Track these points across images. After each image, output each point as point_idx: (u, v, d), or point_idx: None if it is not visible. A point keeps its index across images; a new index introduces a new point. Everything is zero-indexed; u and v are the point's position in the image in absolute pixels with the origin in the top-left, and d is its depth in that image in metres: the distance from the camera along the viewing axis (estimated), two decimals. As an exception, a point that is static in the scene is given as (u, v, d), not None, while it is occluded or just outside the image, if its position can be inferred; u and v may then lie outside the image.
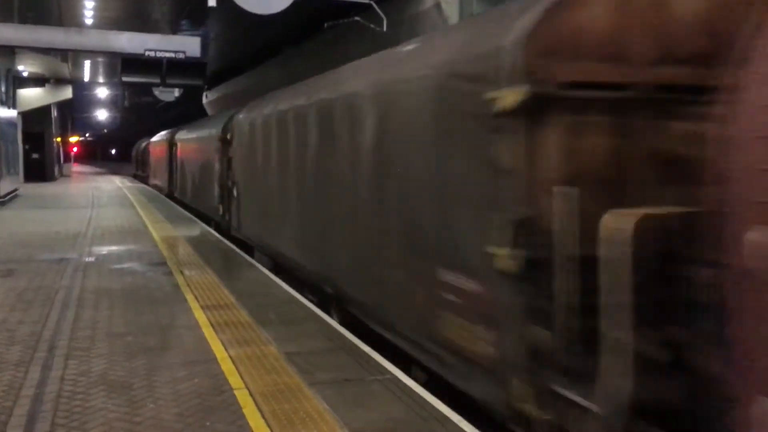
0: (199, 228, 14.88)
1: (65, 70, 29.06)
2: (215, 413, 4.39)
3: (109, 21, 21.61)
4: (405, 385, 4.93)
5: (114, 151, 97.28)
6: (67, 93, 33.22)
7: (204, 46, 19.97)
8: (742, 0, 3.11)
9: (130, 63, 18.65)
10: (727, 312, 2.62)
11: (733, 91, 2.57)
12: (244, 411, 4.43)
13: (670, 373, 3.06)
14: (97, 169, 65.09)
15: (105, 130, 78.81)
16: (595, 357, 3.25)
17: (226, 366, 5.34)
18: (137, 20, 21.55)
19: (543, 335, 3.62)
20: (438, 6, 14.48)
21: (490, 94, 3.89)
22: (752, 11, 2.58)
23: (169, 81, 19.19)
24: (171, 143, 22.91)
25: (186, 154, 19.79)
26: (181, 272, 9.33)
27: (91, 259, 10.47)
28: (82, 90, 39.27)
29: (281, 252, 9.33)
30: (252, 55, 28.08)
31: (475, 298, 4.20)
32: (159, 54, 17.98)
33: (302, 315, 7.03)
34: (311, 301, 7.73)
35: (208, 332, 6.30)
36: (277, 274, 9.32)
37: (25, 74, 29.71)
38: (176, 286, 8.38)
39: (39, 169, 34.87)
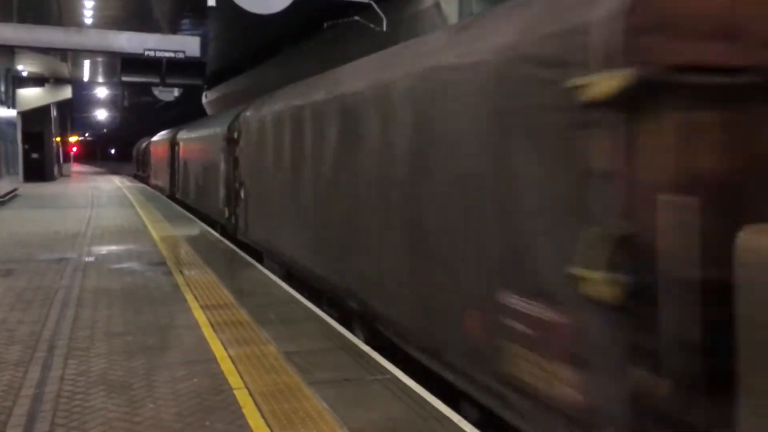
0: (198, 228, 14.87)
1: (65, 69, 29.06)
2: (215, 413, 4.39)
3: (108, 21, 21.61)
4: (405, 384, 4.93)
5: (113, 150, 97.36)
6: (67, 93, 33.23)
7: (203, 46, 19.98)
8: None
9: (129, 63, 18.65)
10: None
11: None
12: (244, 411, 4.43)
13: None
14: (97, 169, 65.12)
15: (104, 130, 78.85)
16: (721, 407, 2.67)
17: (226, 366, 5.34)
18: (137, 20, 21.55)
19: (648, 379, 2.93)
20: (437, 5, 14.49)
21: (575, 81, 3.24)
22: None
23: (169, 81, 19.20)
24: (173, 143, 22.52)
25: (189, 153, 19.26)
26: (181, 272, 9.32)
27: (91, 258, 10.47)
28: (81, 90, 39.29)
29: (295, 260, 8.57)
30: (251, 54, 28.10)
31: (553, 330, 3.46)
32: (158, 54, 17.98)
33: (302, 315, 7.03)
34: (330, 315, 7.09)
35: (208, 332, 6.30)
36: (291, 284, 8.67)
37: (24, 74, 29.73)
38: (176, 286, 8.38)
39: (38, 169, 34.89)
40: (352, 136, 6.46)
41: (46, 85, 31.87)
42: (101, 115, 58.45)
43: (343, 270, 6.71)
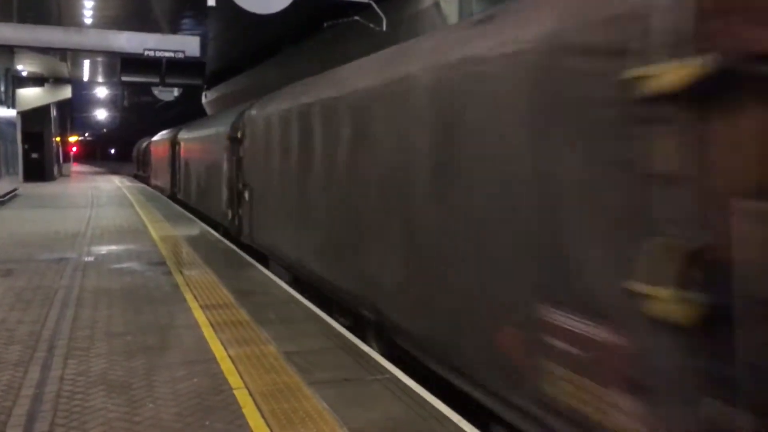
0: (198, 227, 14.86)
1: (64, 69, 29.05)
2: (214, 413, 4.39)
3: (108, 20, 21.60)
4: (404, 384, 4.92)
5: (113, 150, 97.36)
6: (67, 92, 33.23)
7: (203, 46, 19.95)
8: None
9: (129, 62, 18.64)
10: None
11: None
12: (244, 410, 4.43)
13: None
14: (97, 169, 65.10)
15: (104, 130, 78.81)
16: None
17: (226, 365, 5.33)
18: (136, 20, 21.54)
19: (724, 411, 2.59)
20: (437, 5, 14.49)
21: (633, 72, 2.90)
22: None
23: (169, 80, 19.17)
24: (174, 142, 22.29)
25: (190, 153, 19.02)
26: (181, 272, 9.32)
27: (90, 258, 10.46)
28: (81, 89, 39.25)
29: (303, 265, 8.18)
30: (251, 54, 28.09)
31: (606, 351, 3.11)
32: (158, 53, 17.96)
33: (301, 314, 7.02)
34: (342, 324, 6.72)
35: (208, 332, 6.29)
36: (299, 290, 8.25)
37: (24, 74, 29.73)
38: (175, 286, 8.38)
39: (38, 169, 34.88)
40: (367, 134, 6.14)
41: (46, 84, 31.87)
42: (101, 114, 58.42)
43: (357, 277, 6.35)
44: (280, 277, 9.03)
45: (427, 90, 4.97)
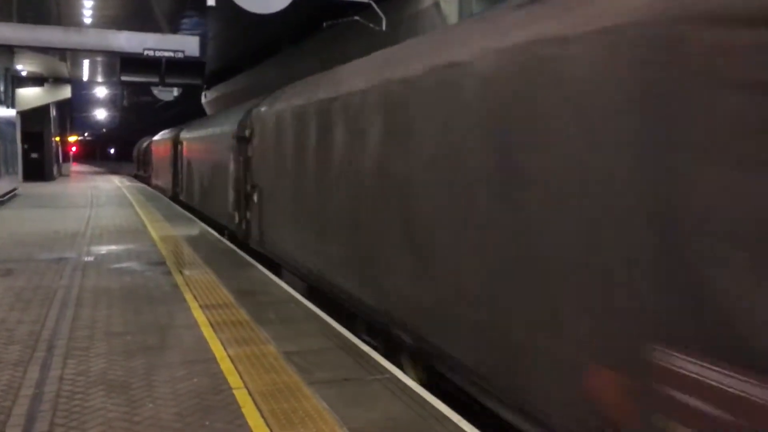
0: (198, 227, 14.85)
1: (64, 69, 29.05)
2: (214, 413, 4.38)
3: (107, 20, 21.61)
4: (404, 384, 4.92)
5: (113, 150, 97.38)
6: (66, 92, 33.22)
7: (203, 46, 19.96)
8: None
9: (128, 62, 18.64)
10: None
11: None
12: (243, 410, 4.42)
13: None
14: (96, 169, 65.11)
15: (104, 130, 78.86)
16: None
17: (225, 365, 5.33)
18: (136, 19, 21.54)
19: None
20: (437, 5, 14.50)
21: None
22: None
23: (168, 80, 19.16)
24: (176, 142, 21.91)
25: (193, 153, 18.48)
26: (180, 271, 9.32)
27: (90, 258, 10.46)
28: (80, 89, 39.29)
29: (323, 276, 7.44)
30: (251, 54, 28.12)
31: None
32: (158, 53, 17.95)
33: (301, 314, 7.02)
34: (370, 345, 6.09)
35: (207, 332, 6.29)
36: (318, 304, 7.52)
37: (23, 73, 29.72)
38: (175, 286, 8.38)
39: (38, 169, 34.89)
40: (400, 131, 5.51)
41: (46, 84, 31.87)
42: (100, 114, 58.45)
43: (389, 293, 5.60)
44: (296, 289, 8.36)
45: (486, 77, 4.24)
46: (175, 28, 23.79)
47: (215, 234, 13.67)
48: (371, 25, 15.20)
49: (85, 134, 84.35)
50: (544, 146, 3.65)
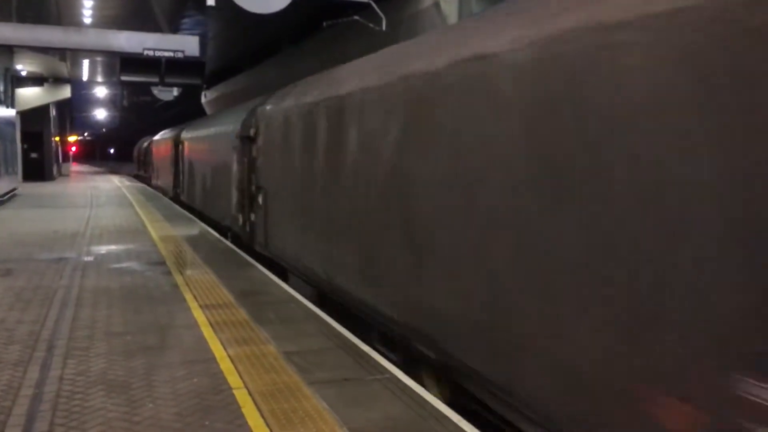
0: (198, 227, 14.86)
1: (64, 69, 29.06)
2: (214, 412, 4.39)
3: (107, 20, 21.62)
4: (404, 384, 4.92)
5: (113, 150, 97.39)
6: (66, 92, 33.22)
7: (203, 46, 19.98)
8: None
9: (128, 62, 18.65)
10: None
11: None
12: (243, 410, 4.42)
13: None
14: (96, 169, 65.11)
15: (104, 130, 78.86)
16: None
17: (225, 365, 5.33)
18: (136, 19, 21.55)
19: None
20: (437, 5, 14.50)
21: None
22: None
23: (168, 80, 19.17)
24: (177, 142, 21.66)
25: (195, 153, 18.14)
26: (180, 271, 9.32)
27: (90, 258, 10.46)
28: (80, 89, 39.32)
29: (335, 283, 7.08)
30: (251, 54, 28.12)
31: None
32: (158, 53, 17.96)
33: (301, 314, 7.02)
34: (387, 357, 5.80)
35: (207, 331, 6.29)
36: (328, 311, 7.24)
37: (23, 73, 29.72)
38: (175, 286, 8.38)
39: (37, 169, 34.90)
40: (423, 129, 5.12)
41: (45, 84, 31.87)
42: (100, 114, 58.48)
43: (413, 304, 5.20)
44: (305, 295, 7.97)
45: (526, 70, 3.86)
46: (175, 28, 23.80)
47: (215, 234, 13.67)
48: (371, 25, 15.20)
49: (85, 134, 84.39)
50: (611, 143, 3.19)
